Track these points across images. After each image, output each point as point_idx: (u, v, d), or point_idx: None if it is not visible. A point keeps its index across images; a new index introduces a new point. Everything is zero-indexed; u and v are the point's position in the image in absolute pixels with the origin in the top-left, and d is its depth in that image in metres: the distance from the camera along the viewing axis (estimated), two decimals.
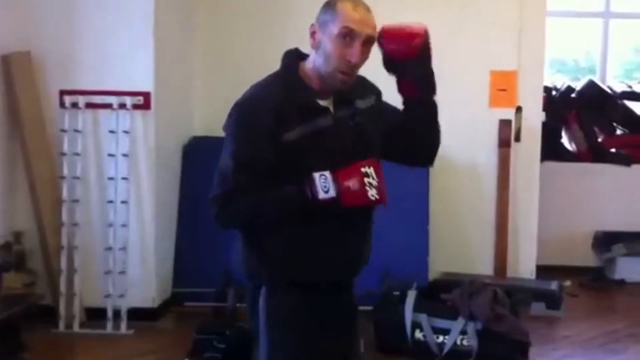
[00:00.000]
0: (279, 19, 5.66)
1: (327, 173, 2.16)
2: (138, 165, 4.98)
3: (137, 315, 4.85)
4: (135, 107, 4.90)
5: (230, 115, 2.27)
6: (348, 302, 2.45)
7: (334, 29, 2.15)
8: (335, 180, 2.16)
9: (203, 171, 5.39)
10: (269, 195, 2.20)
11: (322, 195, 2.16)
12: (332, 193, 2.15)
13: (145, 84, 4.93)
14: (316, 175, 2.16)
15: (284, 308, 2.30)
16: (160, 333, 4.90)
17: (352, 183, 2.16)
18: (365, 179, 2.16)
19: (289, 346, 2.33)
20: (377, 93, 2.42)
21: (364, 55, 2.19)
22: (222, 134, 5.89)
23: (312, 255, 2.29)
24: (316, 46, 2.20)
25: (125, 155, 4.89)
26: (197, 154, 5.50)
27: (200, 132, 5.65)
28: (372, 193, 2.17)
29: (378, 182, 2.18)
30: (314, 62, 2.23)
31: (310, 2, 2.54)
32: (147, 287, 5.01)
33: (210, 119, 5.68)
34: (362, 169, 2.17)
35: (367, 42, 2.19)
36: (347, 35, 2.15)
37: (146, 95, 4.92)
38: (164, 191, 5.18)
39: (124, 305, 4.81)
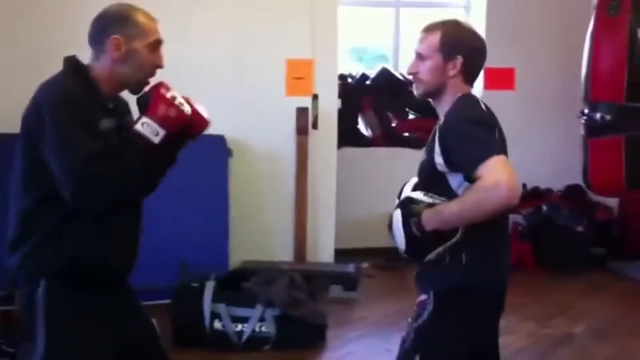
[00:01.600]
0: (72, 13, 5.44)
1: (143, 118, 2.29)
2: None
3: None
4: None
5: (53, 112, 2.26)
6: (128, 294, 2.55)
7: (145, 40, 2.37)
8: (154, 118, 2.27)
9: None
10: (126, 159, 2.28)
11: (155, 139, 2.27)
12: (161, 132, 2.27)
13: None
14: (137, 127, 2.28)
15: (66, 305, 2.33)
16: None
17: (166, 111, 2.30)
18: (175, 101, 2.33)
19: (70, 345, 2.34)
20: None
21: None
22: (16, 130, 5.57)
23: (104, 247, 2.37)
24: (121, 57, 2.36)
25: None
26: None
27: None
28: (187, 109, 2.34)
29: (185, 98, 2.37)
30: (112, 70, 2.38)
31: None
32: None
33: (4, 115, 5.37)
34: (165, 94, 2.32)
35: None
36: (157, 44, 2.42)
37: None
38: None
39: None
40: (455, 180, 2.36)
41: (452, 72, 2.41)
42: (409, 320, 2.49)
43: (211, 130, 2.56)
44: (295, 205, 5.75)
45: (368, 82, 6.80)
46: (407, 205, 2.38)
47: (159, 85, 2.37)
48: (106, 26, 2.39)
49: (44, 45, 5.38)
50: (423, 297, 2.46)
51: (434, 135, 2.41)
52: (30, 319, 2.34)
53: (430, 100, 2.51)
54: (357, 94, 6.72)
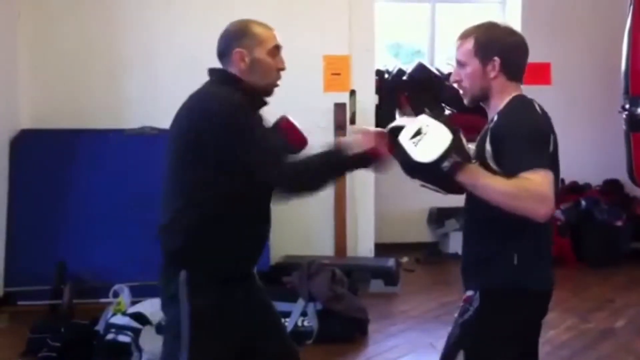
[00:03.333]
0: (107, 7, 5.54)
1: None
2: None
3: None
4: None
5: (230, 116, 2.46)
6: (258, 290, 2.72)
7: (265, 48, 2.58)
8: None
9: (34, 165, 5.25)
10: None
11: None
12: None
13: None
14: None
15: (208, 306, 2.48)
16: None
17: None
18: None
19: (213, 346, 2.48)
20: None
21: None
22: (53, 126, 5.69)
23: (240, 247, 2.54)
24: (248, 67, 2.56)
25: None
26: (27, 147, 5.31)
27: (29, 125, 5.44)
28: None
29: None
30: (244, 80, 2.56)
31: None
32: None
33: (40, 111, 5.49)
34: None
35: None
36: (276, 50, 2.62)
37: None
38: None
39: None
40: None
41: (492, 74, 2.40)
42: (456, 316, 2.48)
43: None
44: (335, 201, 5.79)
45: (405, 78, 6.82)
46: (459, 141, 2.22)
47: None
48: (229, 42, 2.60)
49: (79, 44, 5.50)
50: (470, 292, 2.44)
51: (485, 134, 2.39)
52: (172, 304, 2.51)
53: (481, 104, 2.49)
54: (394, 90, 6.73)
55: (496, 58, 2.40)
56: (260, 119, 2.56)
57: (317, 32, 5.78)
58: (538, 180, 2.17)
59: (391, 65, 7.10)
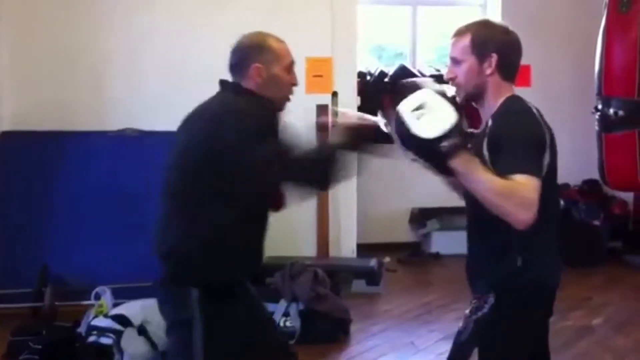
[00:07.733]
0: (90, 8, 5.55)
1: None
2: None
3: None
4: None
5: (241, 122, 2.44)
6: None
7: (282, 64, 2.60)
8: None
9: (16, 167, 5.25)
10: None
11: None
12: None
13: None
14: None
15: (223, 316, 2.47)
16: None
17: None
18: None
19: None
20: None
21: None
22: (35, 128, 5.68)
23: (249, 254, 2.58)
24: (264, 82, 2.56)
25: None
26: (8, 149, 5.30)
27: (10, 127, 5.43)
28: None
29: None
30: (257, 93, 2.56)
31: None
32: None
33: (21, 113, 5.48)
34: None
35: None
36: (292, 66, 2.65)
37: None
38: None
39: None
40: None
41: (488, 71, 2.38)
42: (467, 312, 2.45)
43: None
44: (318, 202, 5.82)
45: (386, 79, 6.86)
46: (462, 122, 2.20)
47: None
48: (246, 56, 2.59)
49: (61, 45, 5.51)
50: (482, 291, 2.42)
51: (482, 139, 2.35)
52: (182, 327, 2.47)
53: (473, 103, 2.46)
54: (376, 91, 6.78)
55: (493, 54, 2.38)
56: (274, 128, 2.50)
57: (300, 34, 5.79)
58: (529, 186, 2.14)
59: (373, 67, 7.15)
